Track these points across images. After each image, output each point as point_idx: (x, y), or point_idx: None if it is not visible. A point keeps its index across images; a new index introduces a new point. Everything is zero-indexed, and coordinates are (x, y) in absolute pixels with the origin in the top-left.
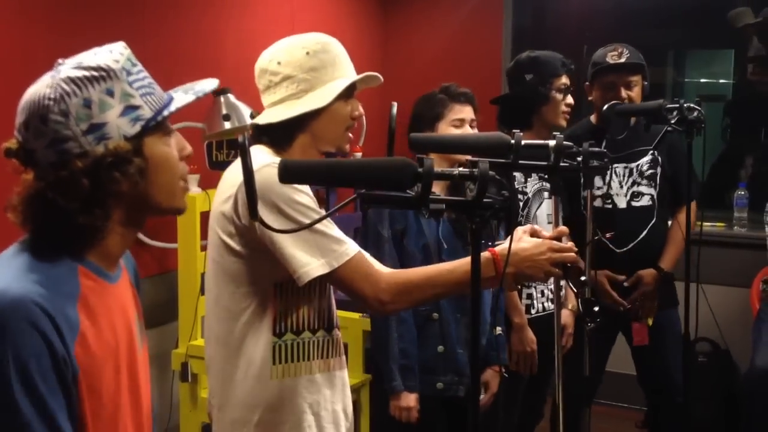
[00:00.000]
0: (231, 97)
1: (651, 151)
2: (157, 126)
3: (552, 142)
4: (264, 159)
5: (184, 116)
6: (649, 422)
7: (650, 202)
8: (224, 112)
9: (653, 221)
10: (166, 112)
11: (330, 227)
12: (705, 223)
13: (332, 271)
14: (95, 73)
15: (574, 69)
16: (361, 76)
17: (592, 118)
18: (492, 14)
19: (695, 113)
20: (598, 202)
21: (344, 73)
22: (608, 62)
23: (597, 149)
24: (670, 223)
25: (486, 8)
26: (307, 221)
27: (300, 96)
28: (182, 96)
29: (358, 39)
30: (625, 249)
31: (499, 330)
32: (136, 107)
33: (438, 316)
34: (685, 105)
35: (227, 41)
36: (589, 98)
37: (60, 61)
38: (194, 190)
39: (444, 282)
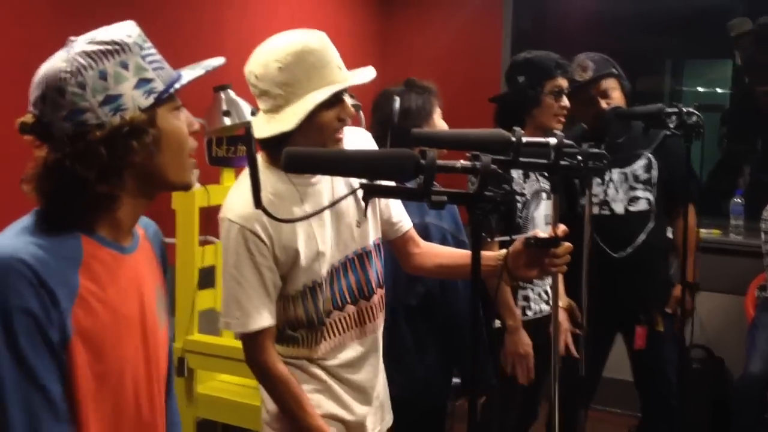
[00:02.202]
0: (231, 93)
1: (645, 155)
2: (168, 100)
3: (552, 140)
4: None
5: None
6: (642, 428)
7: (647, 206)
8: (224, 108)
9: (650, 225)
10: (177, 85)
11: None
12: (701, 231)
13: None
14: (110, 47)
15: (570, 71)
16: (339, 87)
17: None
18: (492, 16)
19: (694, 118)
20: (595, 209)
21: (322, 81)
22: (577, 81)
23: (596, 150)
24: (670, 231)
25: (486, 10)
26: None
27: (277, 111)
28: (190, 72)
29: (358, 38)
30: (623, 254)
31: (497, 323)
32: (149, 80)
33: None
34: (684, 110)
35: (227, 38)
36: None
37: (72, 38)
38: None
39: (293, 415)
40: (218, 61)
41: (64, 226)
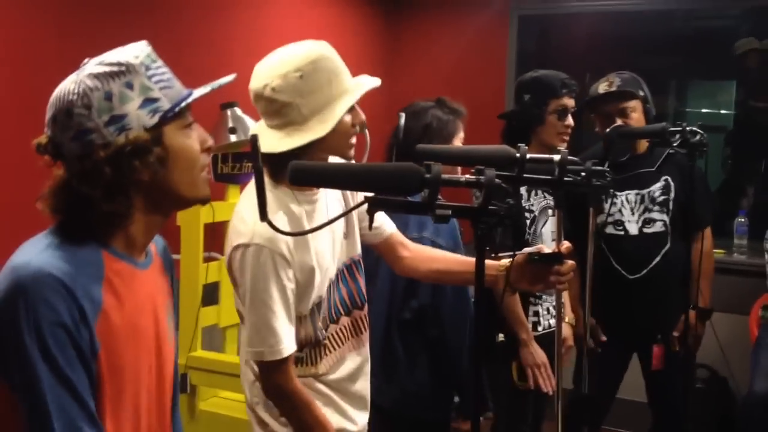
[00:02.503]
0: (237, 110)
1: (663, 177)
2: (176, 117)
3: (557, 157)
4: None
5: None
6: None
7: (663, 228)
8: (230, 125)
9: (667, 247)
10: (183, 104)
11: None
12: None
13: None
14: (115, 68)
15: (577, 91)
16: (361, 92)
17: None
18: (497, 37)
19: (698, 136)
20: (609, 228)
21: (341, 87)
22: (600, 93)
23: (599, 167)
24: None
25: (491, 30)
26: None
27: (302, 123)
28: (198, 90)
29: (365, 55)
30: (638, 275)
31: (501, 336)
32: (154, 99)
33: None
34: (687, 128)
35: (235, 54)
36: (596, 129)
37: (85, 60)
38: None
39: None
40: (228, 79)
41: (84, 241)
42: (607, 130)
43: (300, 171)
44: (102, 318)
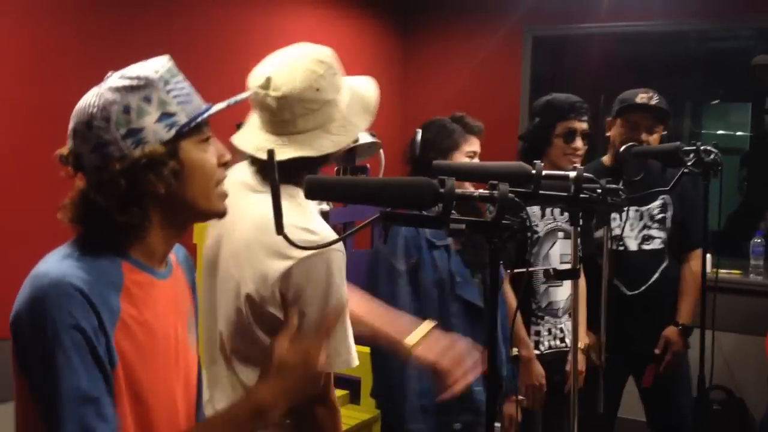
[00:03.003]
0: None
1: (662, 195)
2: (193, 132)
3: (572, 174)
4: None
5: None
6: None
7: (661, 245)
8: None
9: (665, 264)
10: (199, 119)
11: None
12: (721, 271)
13: None
14: (135, 82)
15: (588, 112)
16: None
17: (605, 159)
18: (511, 57)
19: (712, 156)
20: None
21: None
22: (637, 102)
23: (614, 186)
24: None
25: (506, 51)
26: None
27: (341, 119)
28: (217, 105)
29: (379, 74)
30: (636, 292)
31: (515, 350)
32: (171, 114)
33: None
34: (701, 148)
35: (247, 72)
36: (607, 134)
37: (109, 74)
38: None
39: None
40: (245, 94)
41: (103, 251)
42: (621, 149)
43: (316, 185)
44: (120, 326)
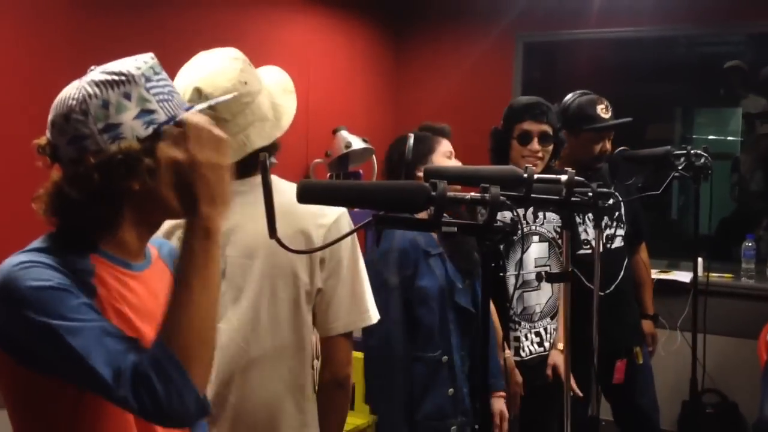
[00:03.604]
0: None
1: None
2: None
3: (564, 177)
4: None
5: None
6: None
7: (622, 243)
8: None
9: (627, 261)
10: (178, 118)
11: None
12: (713, 274)
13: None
14: (116, 78)
15: (548, 113)
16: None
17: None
18: (503, 63)
19: (702, 159)
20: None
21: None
22: (603, 118)
23: (606, 190)
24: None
25: (497, 57)
26: None
27: (272, 112)
28: (198, 105)
29: (372, 81)
30: (607, 291)
31: (509, 352)
32: (151, 111)
33: (447, 358)
34: (692, 151)
35: None
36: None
37: (91, 68)
38: None
39: None
40: (226, 97)
41: (73, 245)
42: (614, 152)
43: (309, 190)
44: (97, 304)
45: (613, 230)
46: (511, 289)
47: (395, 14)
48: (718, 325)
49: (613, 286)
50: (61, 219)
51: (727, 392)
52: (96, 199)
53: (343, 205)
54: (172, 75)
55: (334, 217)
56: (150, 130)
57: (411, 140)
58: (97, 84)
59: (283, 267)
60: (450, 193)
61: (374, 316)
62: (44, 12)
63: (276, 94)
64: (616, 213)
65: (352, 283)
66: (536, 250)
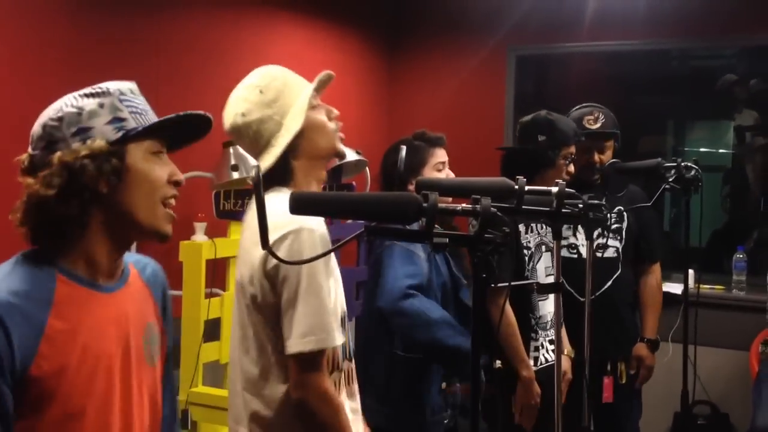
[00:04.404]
0: (240, 148)
1: (618, 207)
2: (142, 139)
3: (554, 189)
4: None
5: (193, 165)
6: None
7: (615, 254)
8: (233, 162)
9: (618, 273)
10: (148, 124)
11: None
12: (704, 286)
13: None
14: (92, 91)
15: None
16: (315, 82)
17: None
18: (495, 76)
19: (692, 172)
20: (563, 251)
21: (299, 87)
22: (586, 127)
23: (596, 201)
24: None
25: (489, 70)
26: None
27: (278, 129)
28: (168, 116)
29: (365, 94)
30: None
31: (498, 363)
32: (122, 119)
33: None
34: (682, 164)
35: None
36: None
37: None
38: (201, 238)
39: None
40: (198, 111)
41: (41, 263)
42: (605, 165)
43: (300, 201)
44: (45, 343)
45: (604, 239)
46: (535, 299)
47: (388, 27)
48: (709, 337)
49: (595, 295)
50: (31, 225)
51: (719, 404)
52: (62, 195)
53: (335, 216)
54: (168, 87)
55: (278, 234)
56: (119, 134)
57: (403, 152)
58: (74, 97)
59: (240, 280)
60: (441, 205)
61: (313, 342)
62: (34, 18)
63: (287, 111)
64: (615, 225)
65: (297, 305)
66: (546, 260)
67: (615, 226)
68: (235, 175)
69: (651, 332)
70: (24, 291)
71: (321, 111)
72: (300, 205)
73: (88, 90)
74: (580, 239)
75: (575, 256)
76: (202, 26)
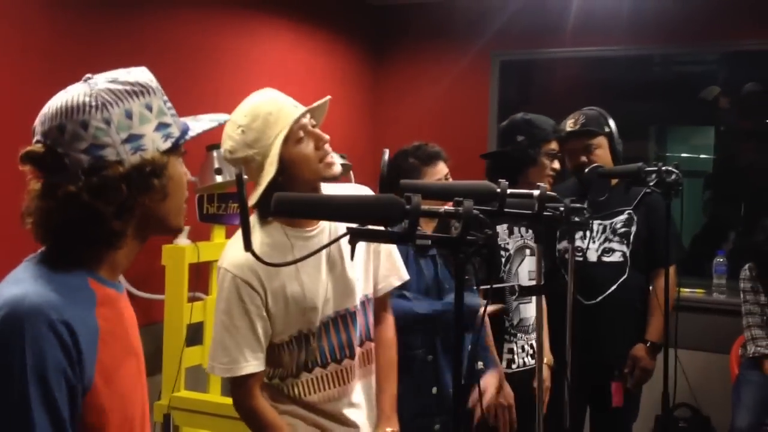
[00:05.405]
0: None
1: (627, 211)
2: (178, 146)
3: (536, 192)
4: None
5: None
6: None
7: (621, 259)
8: (216, 166)
9: (624, 277)
10: (191, 134)
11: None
12: (684, 290)
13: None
14: (135, 88)
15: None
16: (293, 118)
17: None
18: (479, 81)
19: (673, 176)
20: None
21: (283, 123)
22: (567, 129)
23: (578, 205)
24: (651, 287)
25: (473, 76)
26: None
27: (261, 169)
28: (196, 123)
29: (350, 101)
30: (593, 301)
31: (480, 365)
32: (168, 125)
33: (432, 357)
34: (663, 168)
35: (220, 103)
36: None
37: (89, 75)
38: (184, 241)
39: None
40: (224, 116)
41: (71, 268)
42: (586, 170)
43: (283, 203)
44: (102, 343)
45: (611, 243)
46: (509, 301)
47: (374, 32)
48: (690, 340)
49: (599, 298)
50: (64, 234)
51: (700, 406)
52: (119, 210)
53: (318, 218)
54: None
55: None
56: (168, 143)
57: (386, 156)
58: (114, 93)
59: None
60: (424, 207)
61: (217, 370)
62: (22, 17)
63: (271, 149)
64: (623, 229)
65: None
66: (530, 263)
67: (623, 230)
68: (219, 178)
69: (652, 335)
70: (69, 294)
71: (307, 142)
72: (284, 207)
73: (125, 84)
74: (587, 242)
75: (580, 258)
76: (187, 29)
